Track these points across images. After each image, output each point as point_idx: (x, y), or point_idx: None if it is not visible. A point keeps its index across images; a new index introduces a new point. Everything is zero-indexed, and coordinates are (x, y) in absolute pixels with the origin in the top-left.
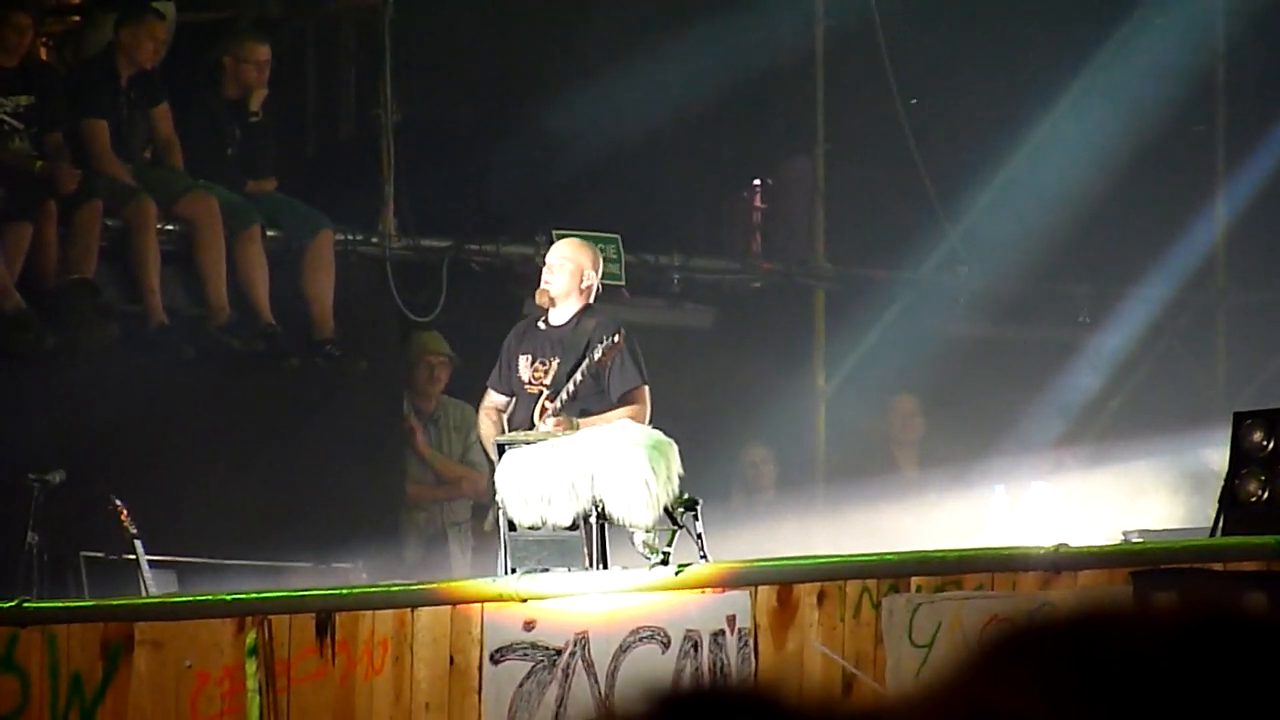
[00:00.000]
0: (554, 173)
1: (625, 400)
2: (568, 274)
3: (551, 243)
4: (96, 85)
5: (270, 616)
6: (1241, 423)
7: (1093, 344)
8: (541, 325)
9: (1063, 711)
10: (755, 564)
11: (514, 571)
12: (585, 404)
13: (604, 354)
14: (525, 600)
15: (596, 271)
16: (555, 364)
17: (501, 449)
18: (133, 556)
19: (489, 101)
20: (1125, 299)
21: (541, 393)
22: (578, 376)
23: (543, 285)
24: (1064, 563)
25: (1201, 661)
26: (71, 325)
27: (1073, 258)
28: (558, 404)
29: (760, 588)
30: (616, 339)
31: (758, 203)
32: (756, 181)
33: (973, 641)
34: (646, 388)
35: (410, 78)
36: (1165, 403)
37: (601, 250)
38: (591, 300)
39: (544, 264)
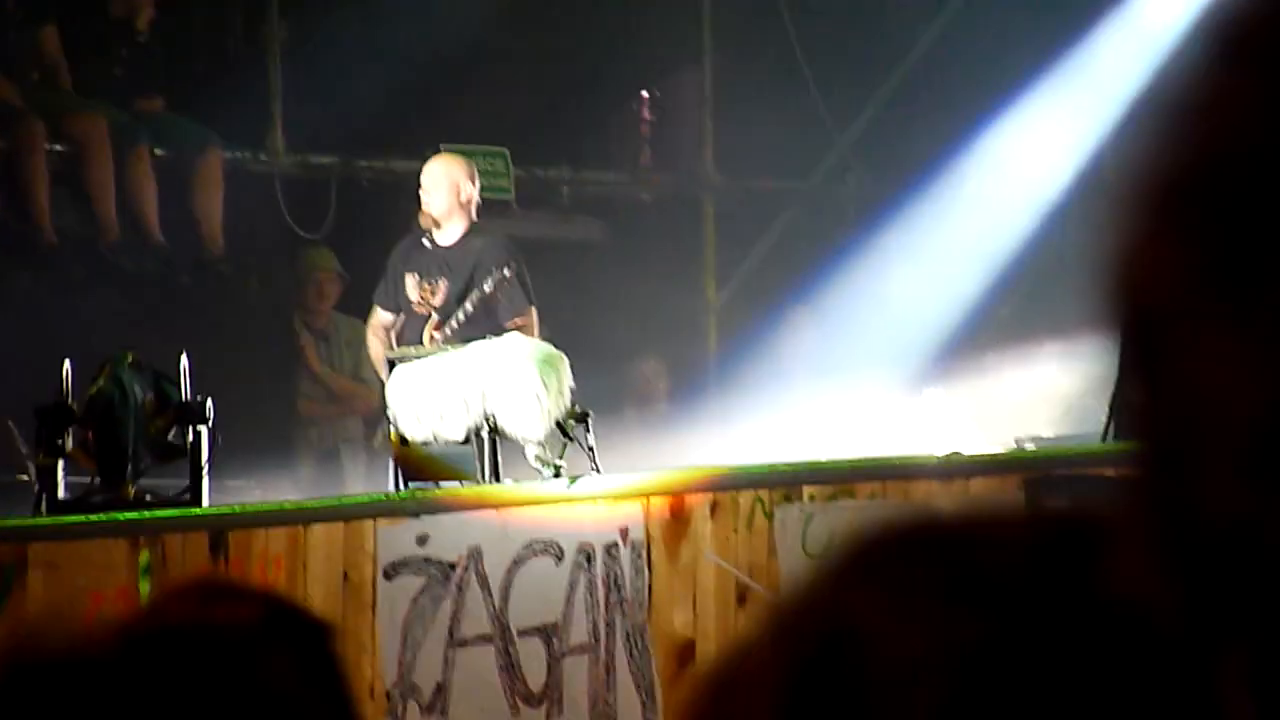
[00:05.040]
0: (441, 87)
1: (512, 325)
2: (445, 191)
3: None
4: None
5: (163, 536)
6: None
7: (984, 249)
8: (427, 244)
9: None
10: (647, 476)
11: (407, 486)
12: (473, 329)
13: (495, 287)
14: (418, 515)
15: (474, 183)
16: (442, 285)
17: (392, 364)
18: (26, 478)
19: (375, 16)
20: (1014, 202)
21: (429, 315)
22: (468, 307)
23: (423, 208)
24: (956, 470)
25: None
26: None
27: (962, 163)
28: (446, 331)
29: (653, 499)
30: (508, 273)
31: (646, 114)
32: (644, 93)
33: (840, 544)
34: (534, 310)
35: None
36: (1057, 309)
37: (490, 164)
38: (474, 215)
39: (419, 185)
